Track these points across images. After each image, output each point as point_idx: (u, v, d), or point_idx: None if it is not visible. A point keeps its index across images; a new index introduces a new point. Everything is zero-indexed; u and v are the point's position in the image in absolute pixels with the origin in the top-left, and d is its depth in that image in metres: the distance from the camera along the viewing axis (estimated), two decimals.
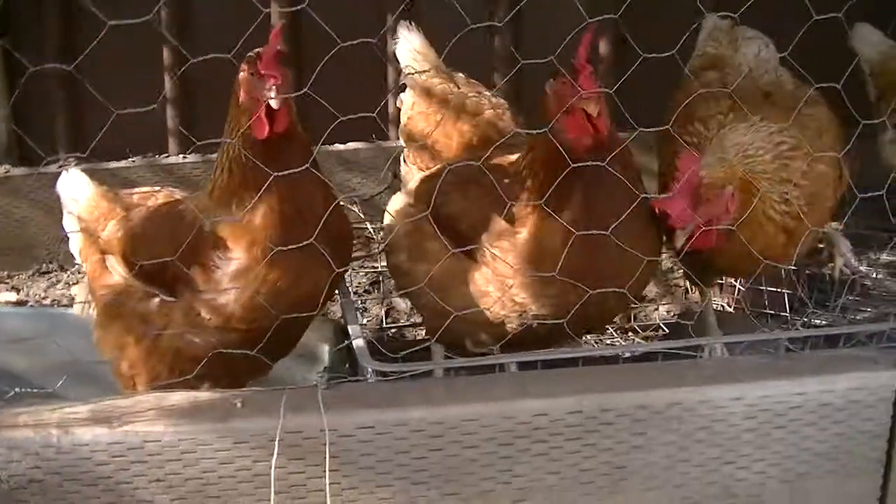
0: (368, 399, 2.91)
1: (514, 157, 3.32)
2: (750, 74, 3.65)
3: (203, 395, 2.98)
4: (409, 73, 3.87)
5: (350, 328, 3.23)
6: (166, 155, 5.58)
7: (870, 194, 3.37)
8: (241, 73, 3.06)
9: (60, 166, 5.43)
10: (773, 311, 4.31)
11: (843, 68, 3.31)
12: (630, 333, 4.44)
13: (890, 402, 3.07)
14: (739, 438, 3.02)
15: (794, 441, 3.06)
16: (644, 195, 3.21)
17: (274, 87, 2.96)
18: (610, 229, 3.07)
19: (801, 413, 3.02)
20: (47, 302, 4.95)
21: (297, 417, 2.83)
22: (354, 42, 3.03)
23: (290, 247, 3.00)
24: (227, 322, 3.11)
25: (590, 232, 3.08)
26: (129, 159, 5.39)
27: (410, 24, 3.99)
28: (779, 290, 4.25)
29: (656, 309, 4.60)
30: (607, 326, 4.37)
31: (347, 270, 3.42)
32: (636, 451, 2.98)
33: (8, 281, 5.20)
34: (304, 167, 3.00)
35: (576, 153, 3.10)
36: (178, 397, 2.95)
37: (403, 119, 3.93)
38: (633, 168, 3.24)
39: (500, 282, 3.22)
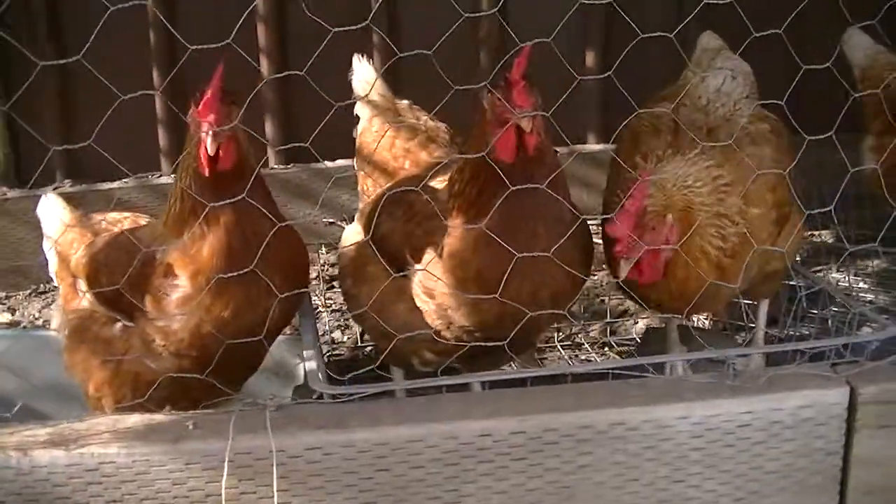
0: (315, 420, 2.94)
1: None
2: (704, 107, 3.63)
3: (158, 416, 3.03)
4: (356, 99, 4.03)
5: (304, 351, 3.27)
6: (158, 175, 5.67)
7: (818, 210, 3.39)
8: (192, 109, 3.10)
9: (56, 188, 5.55)
10: (752, 325, 4.31)
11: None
12: (606, 348, 4.47)
13: (842, 419, 3.07)
14: (688, 457, 3.02)
15: (745, 459, 3.06)
16: (576, 213, 3.26)
17: (210, 132, 3.01)
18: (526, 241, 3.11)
19: (750, 431, 3.03)
20: (40, 322, 5.03)
21: (247, 438, 2.88)
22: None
23: (230, 275, 3.07)
24: (178, 348, 3.18)
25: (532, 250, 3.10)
26: (122, 180, 5.47)
27: (362, 56, 4.14)
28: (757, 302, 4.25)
29: (635, 323, 4.62)
30: (583, 343, 4.43)
31: (303, 297, 3.45)
32: (583, 471, 3.00)
33: (5, 302, 5.31)
34: (241, 197, 3.03)
35: (502, 166, 3.11)
36: (134, 419, 3.01)
37: (357, 146, 4.05)
38: (562, 185, 3.24)
39: (426, 294, 3.26)
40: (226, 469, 2.86)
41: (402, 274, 3.30)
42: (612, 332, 4.59)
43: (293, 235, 3.31)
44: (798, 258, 4.64)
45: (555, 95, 3.17)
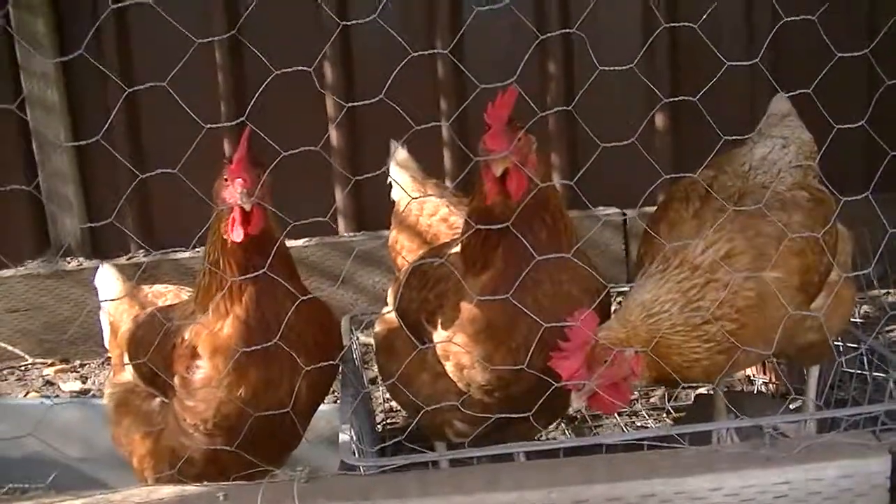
0: (341, 492, 2.94)
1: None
2: (745, 174, 3.51)
3: (190, 487, 3.06)
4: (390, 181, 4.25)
5: (341, 423, 3.27)
6: None
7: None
8: (218, 181, 3.17)
9: (130, 258, 5.69)
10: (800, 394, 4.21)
11: None
12: (665, 414, 4.40)
13: (885, 489, 2.97)
14: None
15: None
16: (583, 256, 3.25)
17: (244, 190, 3.05)
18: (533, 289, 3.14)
19: (787, 502, 2.95)
20: None
21: None
22: None
23: (250, 352, 3.10)
24: (205, 427, 3.21)
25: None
26: (194, 249, 5.56)
27: (397, 141, 4.30)
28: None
29: (696, 388, 4.54)
30: (640, 410, 4.37)
31: (334, 372, 3.46)
32: None
33: (79, 370, 5.43)
34: (262, 272, 3.07)
35: (495, 216, 3.14)
36: (167, 490, 3.05)
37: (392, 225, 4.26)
38: (566, 229, 3.25)
39: (443, 356, 3.28)
40: None
41: (426, 347, 3.30)
42: (673, 398, 4.51)
43: (321, 311, 3.33)
44: (859, 320, 4.54)
45: (626, 156, 3.13)
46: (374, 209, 5.53)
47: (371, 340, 4.68)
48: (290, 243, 5.40)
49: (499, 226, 3.09)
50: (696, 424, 3.22)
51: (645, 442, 3.11)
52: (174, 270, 5.54)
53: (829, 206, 3.46)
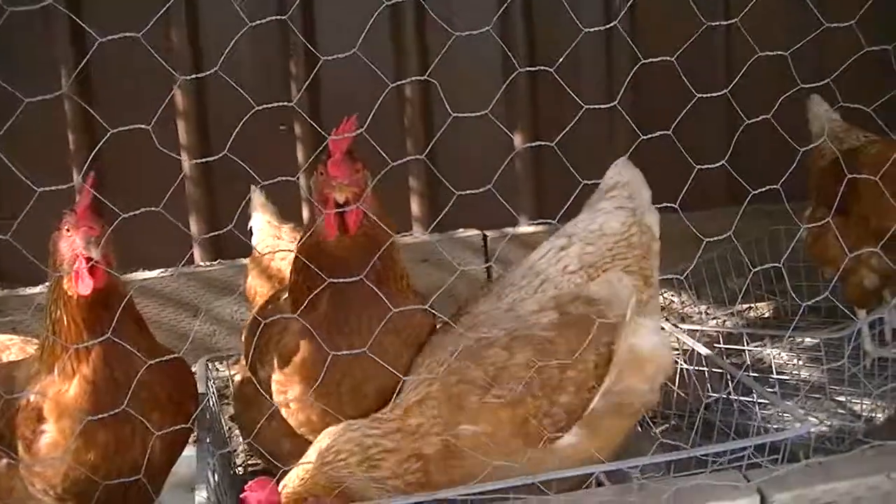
0: None
1: None
2: (499, 293, 3.38)
3: None
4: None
5: (197, 483, 3.15)
6: None
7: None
8: (55, 233, 3.03)
9: None
10: (680, 413, 4.22)
11: None
12: None
13: None
14: None
15: None
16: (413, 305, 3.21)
17: (92, 238, 2.92)
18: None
19: None
20: None
21: None
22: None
23: (98, 417, 2.95)
24: (55, 492, 3.07)
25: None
26: (45, 284, 5.35)
27: (256, 187, 4.22)
28: (685, 392, 4.14)
29: None
30: None
31: (190, 432, 3.33)
32: None
33: None
34: (107, 337, 2.92)
35: (328, 250, 3.12)
36: None
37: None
38: (396, 273, 3.22)
39: (274, 393, 3.23)
40: None
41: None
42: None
43: (173, 365, 3.19)
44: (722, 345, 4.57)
45: (487, 180, 3.05)
46: (231, 238, 5.38)
47: (232, 372, 4.62)
48: (144, 275, 5.30)
49: (329, 258, 3.08)
50: (560, 471, 3.11)
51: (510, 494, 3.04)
52: (23, 306, 5.30)
53: (594, 326, 3.14)
